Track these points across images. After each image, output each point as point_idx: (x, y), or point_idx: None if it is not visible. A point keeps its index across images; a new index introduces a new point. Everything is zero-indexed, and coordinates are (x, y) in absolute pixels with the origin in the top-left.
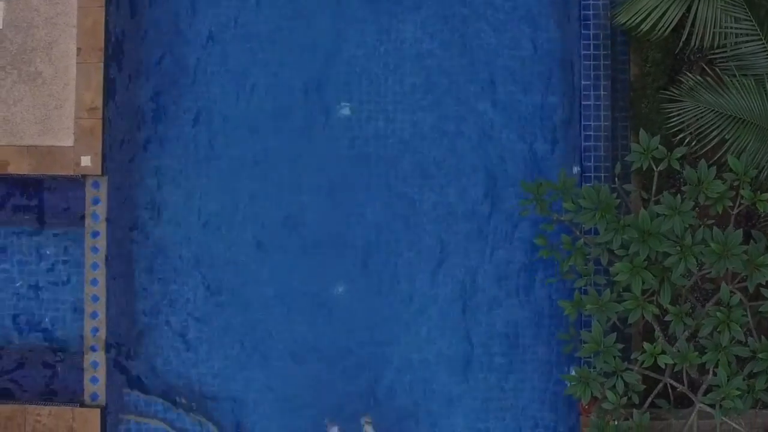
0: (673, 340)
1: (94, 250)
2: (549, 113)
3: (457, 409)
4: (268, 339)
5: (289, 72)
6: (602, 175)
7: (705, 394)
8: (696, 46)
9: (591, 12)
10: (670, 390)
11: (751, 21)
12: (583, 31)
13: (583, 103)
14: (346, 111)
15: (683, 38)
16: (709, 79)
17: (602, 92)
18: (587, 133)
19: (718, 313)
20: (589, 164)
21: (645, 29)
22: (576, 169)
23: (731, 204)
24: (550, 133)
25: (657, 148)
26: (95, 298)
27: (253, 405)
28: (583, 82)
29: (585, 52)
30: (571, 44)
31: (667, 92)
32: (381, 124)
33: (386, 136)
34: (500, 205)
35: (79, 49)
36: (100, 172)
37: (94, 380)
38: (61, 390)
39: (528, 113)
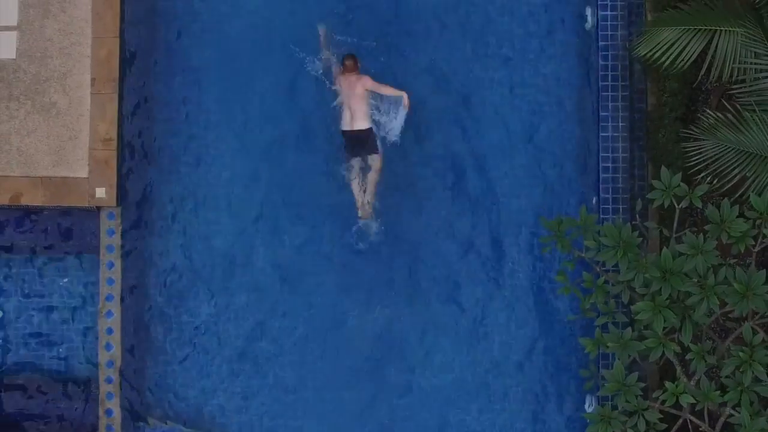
0: (691, 374)
1: (109, 281)
2: (566, 144)
3: None
4: (287, 372)
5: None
6: (620, 207)
7: (723, 428)
8: (714, 79)
9: (609, 43)
10: (689, 425)
11: None
12: (601, 62)
13: (601, 134)
14: None
15: (702, 71)
16: (729, 115)
17: (620, 123)
18: (605, 164)
19: (740, 353)
20: (607, 196)
21: (666, 62)
22: (594, 201)
23: (753, 242)
24: (568, 164)
25: (678, 185)
26: (110, 331)
27: None
28: (601, 113)
29: (603, 83)
30: (590, 75)
31: (687, 131)
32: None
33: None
34: (514, 236)
35: (93, 80)
36: (114, 204)
37: (109, 413)
38: (77, 422)
39: (545, 143)
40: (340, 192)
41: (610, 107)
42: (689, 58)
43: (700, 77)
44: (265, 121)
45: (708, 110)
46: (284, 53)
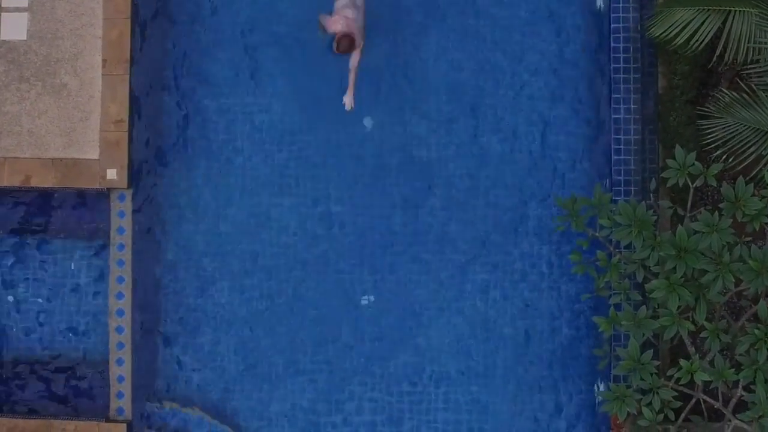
0: (705, 353)
1: (120, 263)
2: (578, 126)
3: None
4: (298, 355)
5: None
6: (632, 188)
7: (736, 407)
8: (729, 61)
9: (621, 25)
10: (702, 405)
11: None
12: (613, 44)
13: (613, 116)
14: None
15: (717, 53)
16: (744, 95)
17: (632, 105)
18: (617, 146)
19: (755, 331)
20: (619, 178)
21: (680, 42)
22: (606, 182)
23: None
24: (580, 147)
25: (693, 164)
26: (120, 312)
27: (277, 420)
28: (613, 95)
29: (615, 65)
30: (601, 57)
31: (702, 109)
32: (408, 137)
33: (413, 150)
34: (529, 218)
35: (104, 61)
36: (125, 185)
37: (119, 395)
38: (87, 405)
39: (557, 126)
40: None
41: (621, 89)
42: (704, 39)
43: (714, 59)
44: None
45: (723, 89)
46: None
